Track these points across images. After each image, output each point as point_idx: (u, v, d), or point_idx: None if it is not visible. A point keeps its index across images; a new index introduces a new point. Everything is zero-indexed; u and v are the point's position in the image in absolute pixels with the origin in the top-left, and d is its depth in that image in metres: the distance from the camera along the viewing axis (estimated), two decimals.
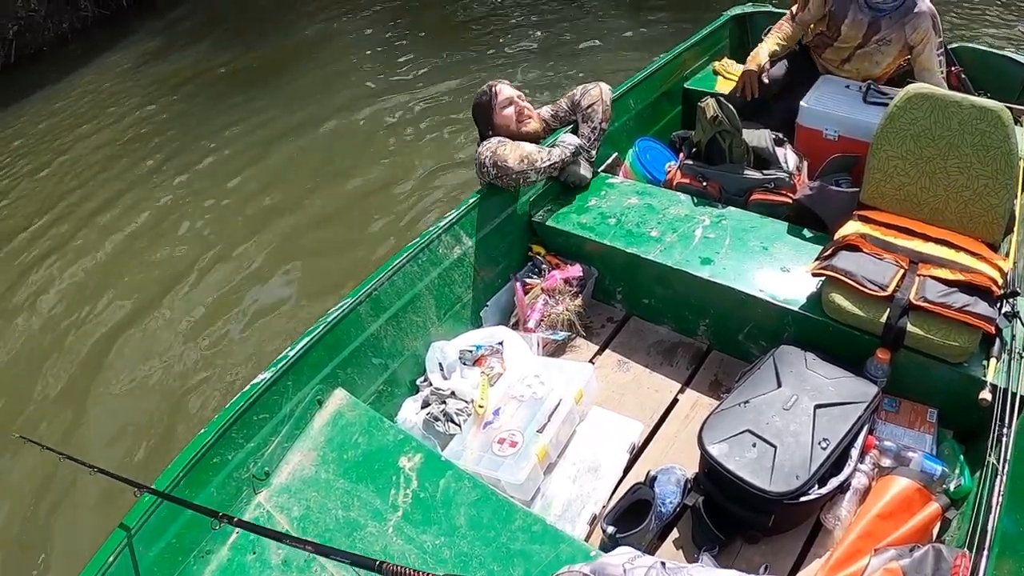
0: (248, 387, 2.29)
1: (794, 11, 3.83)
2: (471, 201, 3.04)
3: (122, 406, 4.27)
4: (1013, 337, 2.32)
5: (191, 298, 5.05)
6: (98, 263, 5.62)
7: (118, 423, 4.15)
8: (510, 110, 3.31)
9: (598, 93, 3.36)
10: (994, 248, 2.59)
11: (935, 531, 2.13)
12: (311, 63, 8.75)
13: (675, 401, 2.74)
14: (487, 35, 8.70)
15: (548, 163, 3.07)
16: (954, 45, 4.15)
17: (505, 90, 3.34)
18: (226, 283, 5.14)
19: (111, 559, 1.89)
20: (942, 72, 3.53)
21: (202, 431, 2.18)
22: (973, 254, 2.48)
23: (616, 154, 3.68)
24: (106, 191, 6.62)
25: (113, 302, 5.14)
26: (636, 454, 2.53)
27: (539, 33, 8.52)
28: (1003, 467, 1.95)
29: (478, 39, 8.62)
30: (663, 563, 1.49)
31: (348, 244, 5.29)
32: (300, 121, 7.29)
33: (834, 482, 2.13)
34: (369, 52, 8.77)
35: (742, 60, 4.44)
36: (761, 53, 3.72)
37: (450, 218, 2.95)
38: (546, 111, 3.55)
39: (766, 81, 3.71)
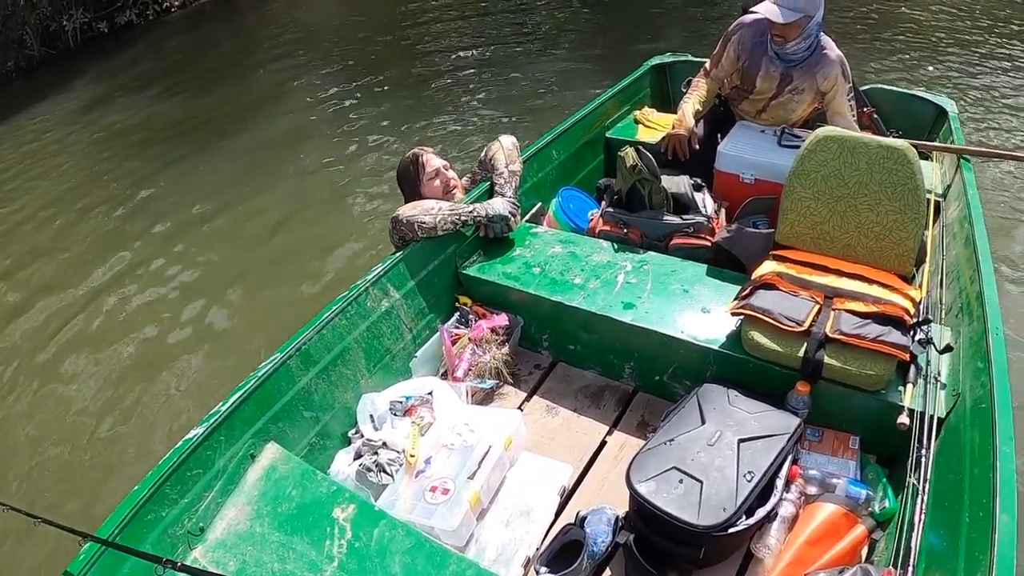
0: (180, 443, 2.26)
1: (708, 68, 3.93)
2: (398, 254, 3.05)
3: (56, 456, 4.22)
4: (928, 362, 2.39)
5: (121, 350, 5.03)
6: (27, 314, 5.57)
7: (53, 473, 4.11)
8: (437, 183, 3.37)
9: (497, 145, 3.44)
10: (907, 279, 2.69)
11: (863, 553, 2.18)
12: (266, 113, 8.77)
13: (603, 443, 2.76)
14: (446, 92, 8.83)
15: (447, 212, 3.10)
16: (866, 87, 4.30)
17: (432, 161, 3.39)
18: (162, 334, 5.13)
19: None
20: (854, 114, 3.63)
21: (135, 488, 2.14)
22: (886, 286, 2.56)
23: (540, 204, 3.73)
24: (42, 240, 6.56)
25: (39, 353, 5.11)
26: (567, 496, 2.55)
27: (499, 89, 8.70)
28: (923, 487, 2.01)
29: (438, 96, 8.75)
30: None
31: (296, 299, 5.28)
32: (253, 172, 7.33)
33: (761, 512, 2.16)
34: (326, 104, 8.84)
35: (662, 108, 4.58)
36: (687, 116, 3.78)
37: (377, 271, 2.95)
38: (466, 180, 3.60)
39: (697, 148, 3.78)
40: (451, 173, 3.44)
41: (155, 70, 10.74)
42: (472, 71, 9.36)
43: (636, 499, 2.20)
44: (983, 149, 4.05)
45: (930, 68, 8.08)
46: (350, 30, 11.93)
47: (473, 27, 11.06)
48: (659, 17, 10.67)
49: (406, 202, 3.38)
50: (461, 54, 10.04)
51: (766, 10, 3.33)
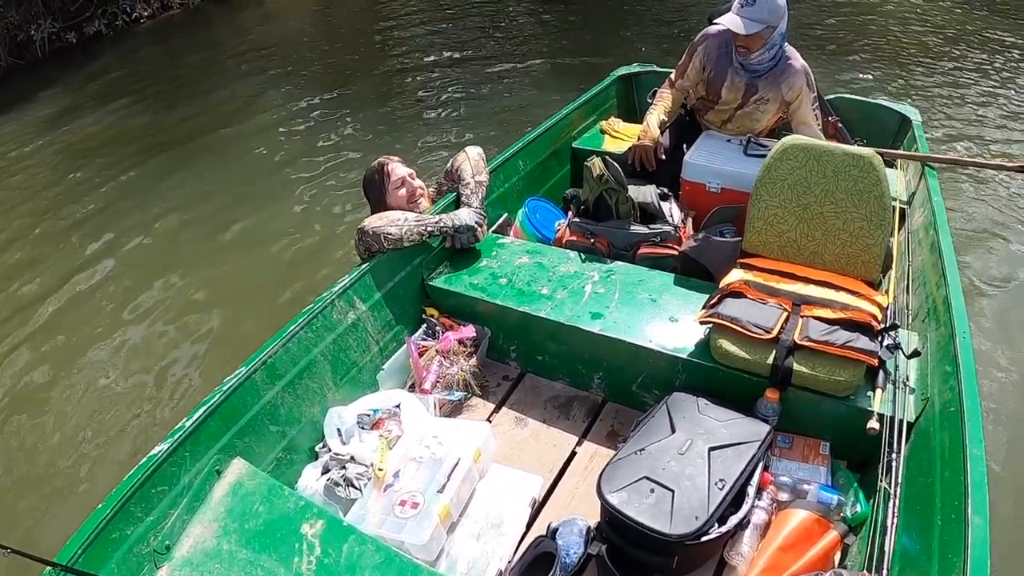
0: (145, 459, 2.22)
1: (673, 78, 3.96)
2: (364, 266, 3.02)
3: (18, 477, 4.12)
4: (896, 367, 2.41)
5: (87, 363, 4.91)
6: None
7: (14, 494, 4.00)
8: (403, 191, 3.35)
9: (464, 155, 3.42)
10: (873, 285, 2.71)
11: (836, 558, 2.19)
12: (235, 123, 8.68)
13: (573, 454, 2.75)
14: (414, 102, 8.82)
15: (413, 223, 3.07)
16: (831, 96, 4.34)
17: (397, 169, 3.37)
18: (122, 340, 5.06)
19: None
20: (819, 123, 3.66)
21: (99, 506, 2.10)
22: (853, 292, 2.58)
23: (506, 214, 3.72)
24: (8, 255, 6.41)
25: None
26: (538, 508, 2.53)
27: (466, 99, 8.72)
28: (895, 491, 2.04)
29: (405, 106, 8.73)
30: None
31: (260, 308, 5.22)
32: (220, 182, 7.24)
33: (733, 520, 2.16)
34: (294, 115, 8.75)
35: (629, 119, 4.61)
36: (652, 127, 3.80)
37: (343, 283, 2.92)
38: (432, 190, 3.59)
39: (663, 158, 3.80)
40: (417, 182, 3.42)
41: (124, 81, 10.63)
42: (440, 82, 9.36)
43: (607, 509, 2.18)
44: (947, 157, 4.10)
45: (894, 77, 8.19)
46: (320, 42, 11.90)
47: (442, 38, 11.09)
48: (626, 28, 10.73)
49: (372, 211, 3.38)
50: (429, 65, 10.04)
51: (729, 22, 3.35)
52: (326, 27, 13.09)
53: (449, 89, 9.06)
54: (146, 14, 13.85)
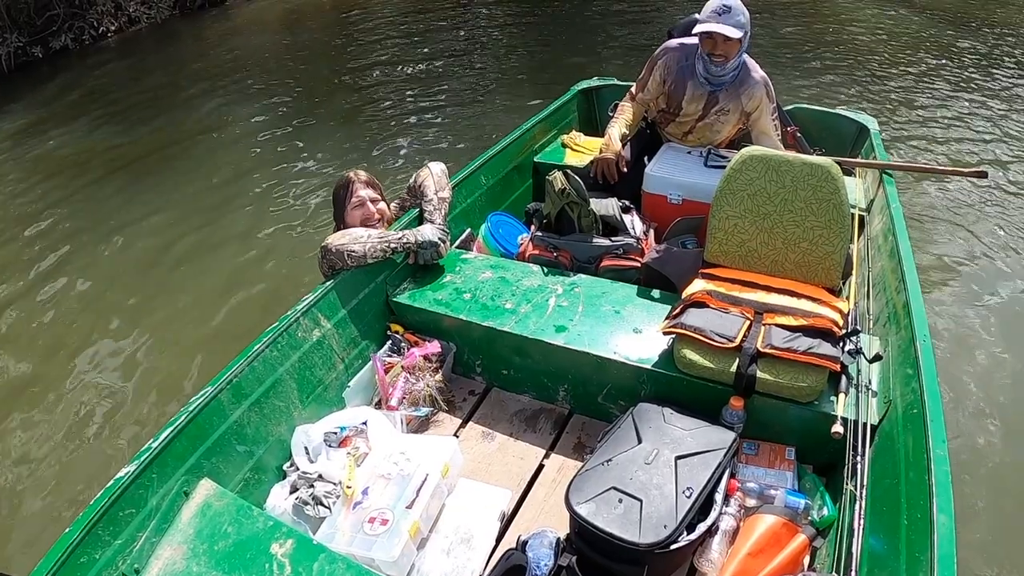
0: (111, 482, 2.19)
1: (634, 91, 3.98)
2: (328, 283, 3.01)
3: None
4: (858, 372, 2.43)
5: (54, 391, 4.80)
6: None
7: None
8: (358, 213, 3.33)
9: (427, 171, 3.42)
10: (834, 292, 2.74)
11: (805, 561, 2.19)
12: (200, 141, 8.63)
13: (541, 466, 2.75)
14: (379, 118, 8.82)
15: (376, 240, 3.07)
16: (790, 107, 4.39)
17: (360, 190, 3.35)
18: (96, 374, 4.94)
19: None
20: (778, 133, 3.70)
21: (66, 531, 2.07)
22: (814, 299, 2.61)
23: (469, 230, 3.72)
24: None
25: None
26: (507, 522, 2.53)
27: (429, 115, 8.75)
28: (861, 493, 2.07)
29: (370, 122, 8.73)
30: None
31: (224, 329, 5.17)
32: (184, 200, 7.19)
33: (702, 527, 2.16)
34: (259, 132, 8.72)
35: (589, 132, 4.63)
36: (613, 139, 3.82)
37: (308, 301, 2.91)
38: (394, 206, 3.58)
39: (625, 170, 3.82)
40: (376, 207, 3.38)
41: (89, 96, 10.55)
42: (403, 96, 9.40)
43: (577, 521, 2.18)
44: (903, 164, 4.16)
45: (852, 87, 8.30)
46: (286, 57, 11.92)
47: (406, 53, 11.14)
48: (589, 41, 10.81)
49: (335, 222, 3.40)
50: (393, 80, 10.08)
51: (718, 29, 3.33)
52: (292, 41, 13.09)
53: (412, 104, 9.10)
54: (113, 28, 13.79)
